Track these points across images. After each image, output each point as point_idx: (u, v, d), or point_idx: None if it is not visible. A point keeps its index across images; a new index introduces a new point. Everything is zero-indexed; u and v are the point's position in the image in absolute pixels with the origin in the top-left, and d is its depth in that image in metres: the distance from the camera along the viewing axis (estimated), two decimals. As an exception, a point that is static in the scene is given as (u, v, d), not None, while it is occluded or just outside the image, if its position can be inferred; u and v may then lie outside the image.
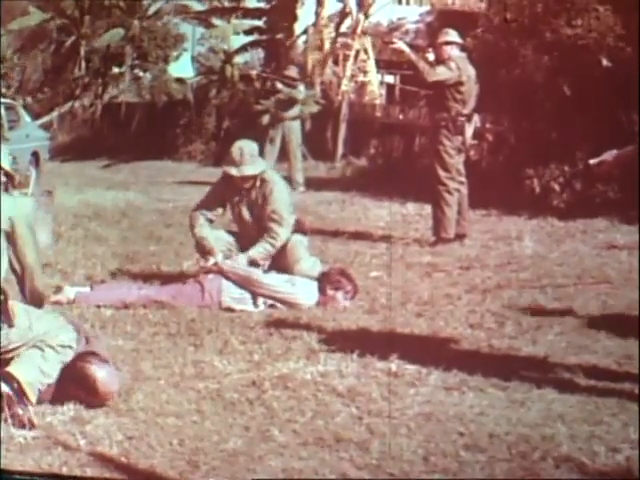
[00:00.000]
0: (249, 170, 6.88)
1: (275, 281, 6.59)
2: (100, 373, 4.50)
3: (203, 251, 6.91)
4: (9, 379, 4.33)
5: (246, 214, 6.97)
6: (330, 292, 6.57)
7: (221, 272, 6.63)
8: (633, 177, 5.50)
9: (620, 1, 10.71)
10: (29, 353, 4.42)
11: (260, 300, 6.50)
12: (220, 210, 7.07)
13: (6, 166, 4.66)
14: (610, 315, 6.09)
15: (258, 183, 6.92)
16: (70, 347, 4.52)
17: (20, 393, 4.31)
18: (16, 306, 4.45)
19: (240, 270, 6.63)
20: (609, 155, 5.26)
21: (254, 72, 17.30)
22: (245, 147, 6.93)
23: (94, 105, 19.63)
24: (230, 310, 6.39)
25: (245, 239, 6.94)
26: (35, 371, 4.40)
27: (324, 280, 6.65)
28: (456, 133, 8.76)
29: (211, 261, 6.77)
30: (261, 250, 6.78)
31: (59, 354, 4.47)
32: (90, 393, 4.47)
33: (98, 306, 6.30)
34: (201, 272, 6.77)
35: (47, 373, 4.44)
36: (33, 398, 4.35)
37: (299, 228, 7.06)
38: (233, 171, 6.88)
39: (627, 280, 6.82)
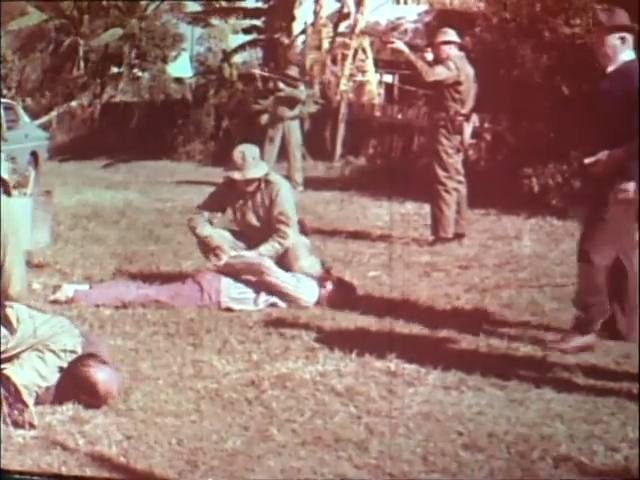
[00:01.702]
0: (253, 173, 6.87)
1: (282, 274, 6.61)
2: (100, 375, 4.49)
3: (208, 249, 6.89)
4: (6, 382, 4.32)
5: (252, 217, 6.95)
6: (329, 286, 6.58)
7: (222, 269, 6.63)
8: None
9: (618, 1, 10.71)
10: (29, 356, 4.41)
11: (260, 299, 6.50)
12: (219, 215, 7.08)
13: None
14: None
15: (263, 185, 6.91)
16: (73, 352, 4.51)
17: (16, 396, 4.31)
18: (21, 311, 4.44)
19: (249, 258, 6.65)
20: (603, 155, 5.29)
21: (258, 72, 17.29)
22: (247, 151, 6.92)
23: (93, 105, 19.62)
24: (229, 310, 6.40)
25: (251, 241, 6.94)
26: (33, 374, 4.39)
27: (324, 275, 6.70)
28: (455, 132, 8.77)
29: (223, 259, 6.76)
30: (270, 248, 6.77)
31: (60, 359, 4.47)
32: (91, 395, 4.47)
33: (97, 306, 6.30)
34: (200, 271, 6.77)
35: (45, 377, 4.43)
36: (29, 401, 4.34)
37: (301, 229, 7.08)
38: (236, 175, 6.86)
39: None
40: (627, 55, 5.48)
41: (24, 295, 4.55)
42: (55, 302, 6.29)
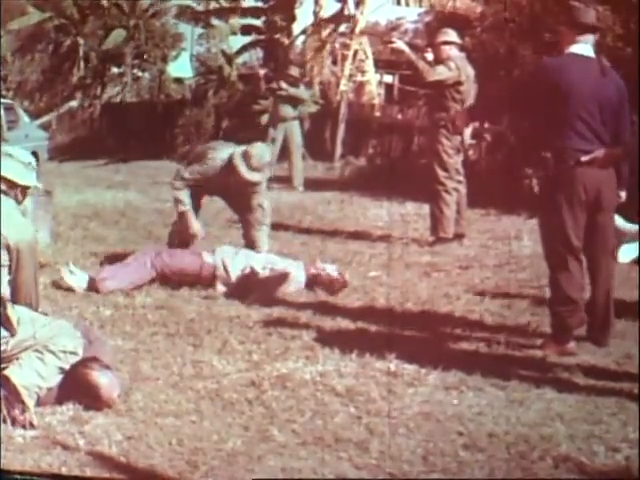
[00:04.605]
0: (258, 178, 7.23)
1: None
2: (102, 380, 4.48)
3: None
4: (6, 382, 4.32)
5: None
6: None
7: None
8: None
9: (619, 1, 10.72)
10: (28, 357, 4.40)
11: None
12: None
13: (8, 175, 4.62)
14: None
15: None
16: (74, 353, 4.51)
17: (16, 396, 4.30)
18: (22, 313, 4.44)
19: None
20: (599, 153, 5.29)
21: (262, 71, 17.28)
22: (265, 155, 7.26)
23: (93, 105, 19.63)
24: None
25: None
26: (32, 375, 4.38)
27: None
28: (455, 133, 8.77)
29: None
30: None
31: (59, 359, 4.46)
32: (93, 399, 4.47)
33: (97, 306, 6.30)
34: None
35: (45, 377, 4.42)
36: (30, 402, 4.32)
37: None
38: (249, 176, 7.18)
39: (626, 279, 6.82)
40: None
41: (35, 307, 4.60)
42: (70, 290, 6.57)
